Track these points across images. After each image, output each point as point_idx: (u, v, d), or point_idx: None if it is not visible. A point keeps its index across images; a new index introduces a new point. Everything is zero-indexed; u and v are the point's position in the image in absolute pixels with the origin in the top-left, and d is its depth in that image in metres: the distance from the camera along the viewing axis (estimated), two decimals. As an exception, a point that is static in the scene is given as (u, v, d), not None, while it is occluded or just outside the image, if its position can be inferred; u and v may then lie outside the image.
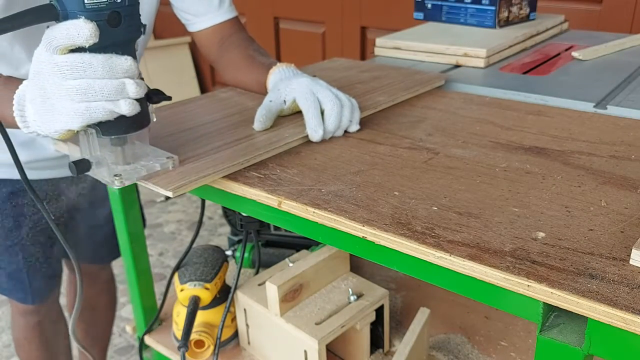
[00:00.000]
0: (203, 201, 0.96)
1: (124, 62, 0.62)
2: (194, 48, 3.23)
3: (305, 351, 0.85)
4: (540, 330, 0.52)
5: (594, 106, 0.93)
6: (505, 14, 1.35)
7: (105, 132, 0.66)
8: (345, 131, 0.83)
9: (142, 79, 0.65)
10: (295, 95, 0.83)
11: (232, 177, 0.71)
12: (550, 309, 0.53)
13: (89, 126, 0.65)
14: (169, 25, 3.45)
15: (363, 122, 0.86)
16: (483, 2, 1.33)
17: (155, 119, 0.70)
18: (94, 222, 1.26)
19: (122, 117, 0.64)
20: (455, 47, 1.20)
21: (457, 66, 1.20)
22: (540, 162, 0.73)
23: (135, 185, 1.24)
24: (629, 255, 0.52)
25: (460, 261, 0.53)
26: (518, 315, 0.54)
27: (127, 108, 0.62)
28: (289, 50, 2.77)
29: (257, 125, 0.83)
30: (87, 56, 0.61)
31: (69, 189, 1.18)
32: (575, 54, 1.22)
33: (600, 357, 0.50)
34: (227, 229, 2.56)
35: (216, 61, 1.05)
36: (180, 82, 3.22)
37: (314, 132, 0.80)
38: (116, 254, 1.32)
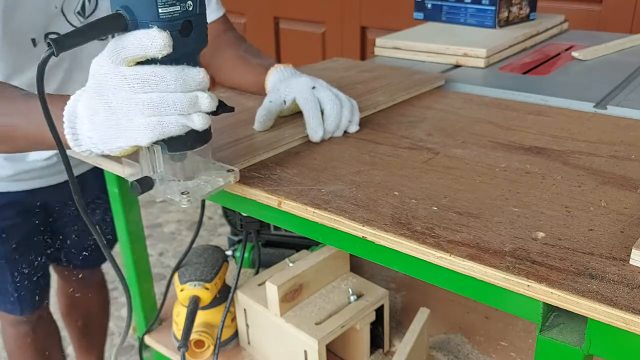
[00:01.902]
0: (203, 201, 0.96)
1: (197, 74, 0.58)
2: (194, 48, 3.23)
3: (305, 351, 0.85)
4: (540, 330, 0.52)
5: (594, 106, 0.93)
6: (505, 14, 1.35)
7: (171, 148, 0.62)
8: (345, 132, 0.83)
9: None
10: (295, 95, 0.82)
11: (232, 177, 0.71)
12: (550, 309, 0.53)
13: (155, 142, 0.61)
14: (169, 25, 3.45)
15: (363, 122, 0.86)
16: (483, 2, 1.33)
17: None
18: (83, 228, 1.25)
19: (190, 132, 0.61)
20: (455, 47, 1.20)
21: (457, 66, 1.20)
22: (540, 162, 0.73)
23: None
24: (629, 255, 0.52)
25: (460, 261, 0.53)
26: (518, 315, 0.54)
27: (200, 122, 0.59)
28: (289, 50, 2.77)
29: (258, 125, 0.82)
30: (159, 68, 0.57)
31: (54, 198, 1.17)
32: (575, 54, 1.22)
33: (600, 357, 0.50)
34: (227, 229, 2.56)
35: (209, 63, 1.02)
36: (180, 82, 3.21)
37: (314, 132, 0.79)
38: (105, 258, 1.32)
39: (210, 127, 0.64)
